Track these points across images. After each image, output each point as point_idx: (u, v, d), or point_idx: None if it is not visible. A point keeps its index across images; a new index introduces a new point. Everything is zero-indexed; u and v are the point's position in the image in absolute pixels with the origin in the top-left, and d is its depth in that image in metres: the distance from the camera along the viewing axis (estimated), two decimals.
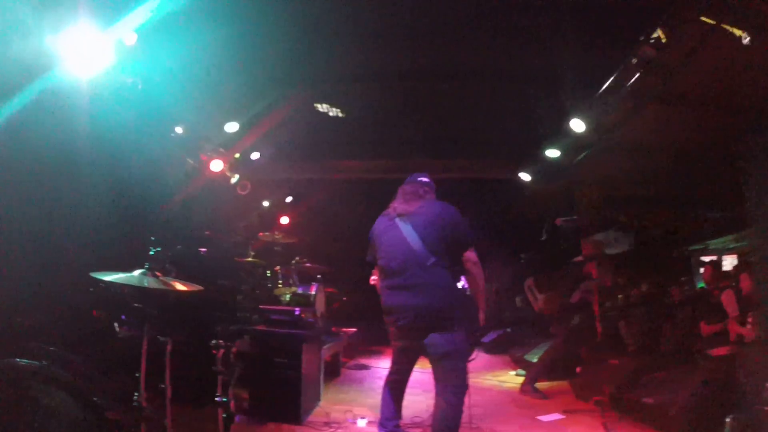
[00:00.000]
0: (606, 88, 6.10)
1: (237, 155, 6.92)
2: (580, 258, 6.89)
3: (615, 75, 5.82)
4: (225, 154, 6.57)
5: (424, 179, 4.01)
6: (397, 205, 3.82)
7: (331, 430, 4.50)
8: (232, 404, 3.44)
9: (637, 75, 5.72)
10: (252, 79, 5.73)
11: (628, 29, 5.24)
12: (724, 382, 4.71)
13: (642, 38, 5.14)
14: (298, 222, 9.31)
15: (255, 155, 7.28)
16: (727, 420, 4.29)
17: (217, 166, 6.43)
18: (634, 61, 5.36)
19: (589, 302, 8.16)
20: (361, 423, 4.64)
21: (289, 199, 9.29)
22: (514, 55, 6.02)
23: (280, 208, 9.14)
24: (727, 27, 5.06)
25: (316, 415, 4.88)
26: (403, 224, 3.65)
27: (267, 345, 4.75)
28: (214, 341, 3.47)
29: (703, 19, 4.88)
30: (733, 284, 6.36)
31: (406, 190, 3.91)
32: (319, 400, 5.35)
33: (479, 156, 8.90)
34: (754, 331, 5.03)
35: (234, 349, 3.61)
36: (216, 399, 3.40)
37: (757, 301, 4.75)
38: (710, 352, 5.45)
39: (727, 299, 6.02)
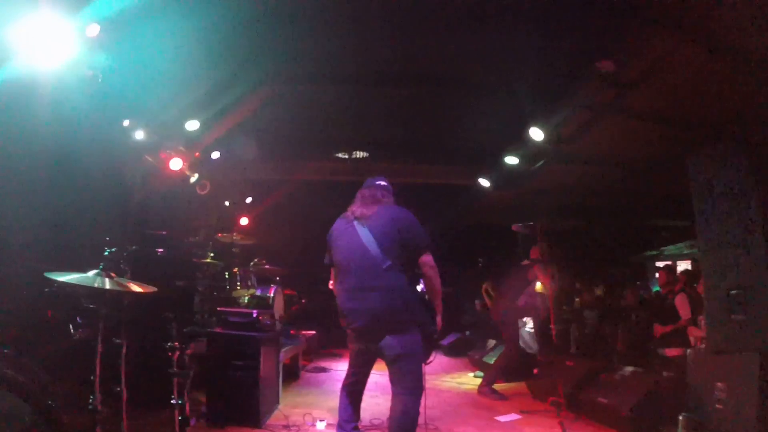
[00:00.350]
0: (565, 99, 6.25)
1: (197, 154, 6.81)
2: (526, 261, 6.98)
3: (574, 87, 5.98)
4: (185, 153, 6.46)
5: (383, 183, 4.02)
6: (355, 208, 3.82)
7: None
8: (187, 407, 3.37)
9: (596, 88, 5.89)
10: (214, 76, 5.65)
11: (589, 43, 5.37)
12: (677, 382, 4.88)
13: (602, 53, 5.31)
14: (258, 223, 9.18)
15: (215, 155, 7.18)
16: (680, 418, 4.44)
17: (176, 164, 6.32)
18: (593, 74, 5.52)
19: (537, 306, 8.35)
20: (320, 426, 4.61)
21: (249, 199, 9.16)
22: (477, 63, 6.08)
23: (239, 209, 9.00)
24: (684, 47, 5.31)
25: (275, 418, 4.82)
26: (361, 227, 3.66)
27: (224, 347, 4.66)
28: (169, 343, 3.40)
29: (662, 38, 5.08)
30: (686, 288, 6.61)
31: (364, 193, 3.91)
32: (278, 403, 5.28)
33: (440, 161, 8.99)
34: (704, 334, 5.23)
35: (189, 351, 3.55)
36: (172, 402, 3.33)
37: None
38: (665, 351, 5.62)
39: (681, 302, 6.26)
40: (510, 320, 6.90)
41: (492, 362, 7.37)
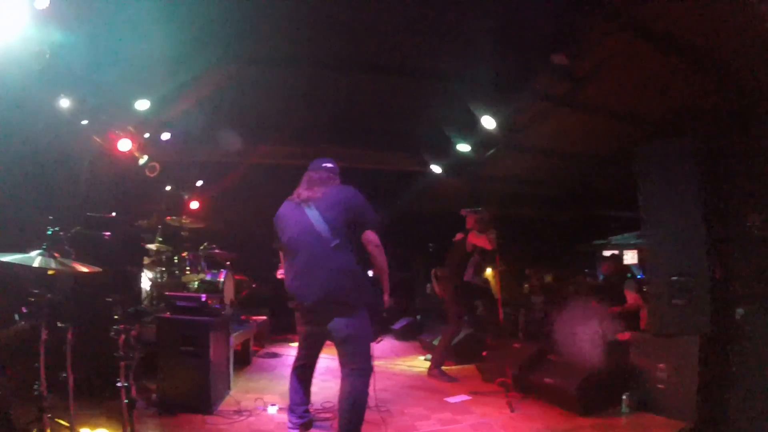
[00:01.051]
0: (518, 89, 6.35)
1: (147, 135, 6.63)
2: (460, 235, 6.92)
3: (528, 77, 6.08)
4: (134, 134, 6.26)
5: (329, 165, 4.03)
6: (302, 190, 3.83)
7: (242, 418, 4.41)
8: (134, 389, 3.31)
9: (549, 80, 6.01)
10: (167, 55, 5.49)
11: (545, 36, 5.46)
12: (620, 364, 5.08)
13: (557, 46, 5.41)
14: (209, 207, 8.99)
15: (165, 136, 6.99)
16: (624, 397, 4.65)
17: (125, 145, 6.11)
18: (548, 67, 5.62)
19: (487, 288, 8.49)
20: (272, 410, 4.61)
21: (199, 183, 8.96)
22: (432, 50, 6.10)
23: (190, 192, 8.80)
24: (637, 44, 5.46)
25: (227, 404, 4.78)
26: (309, 209, 3.67)
27: (173, 333, 4.56)
28: (115, 326, 3.34)
29: (614, 35, 5.21)
30: (629, 275, 6.90)
31: (311, 176, 3.92)
32: (229, 389, 5.23)
33: (393, 148, 9.00)
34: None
35: (134, 332, 3.48)
36: (117, 385, 3.28)
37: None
38: (617, 336, 5.83)
39: (627, 289, 6.53)
40: (459, 297, 6.82)
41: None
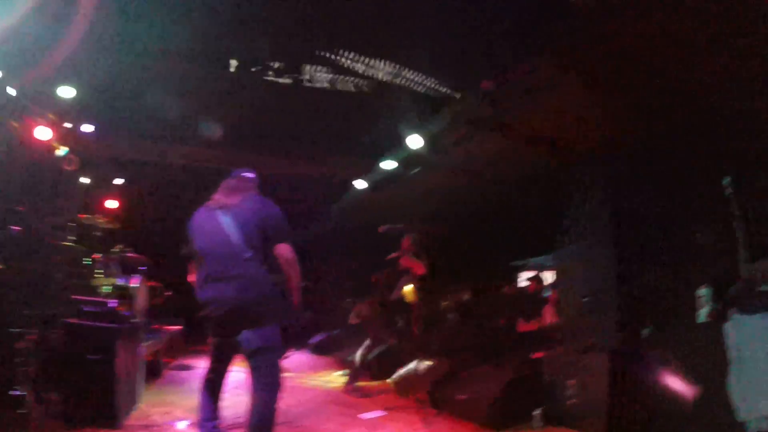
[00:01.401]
0: (446, 110, 6.52)
1: (68, 125, 6.28)
2: (394, 254, 6.99)
3: (456, 100, 6.25)
4: (54, 123, 5.88)
5: (249, 175, 3.96)
6: (219, 197, 3.73)
7: None
8: (33, 395, 3.09)
9: (475, 105, 6.20)
10: (95, 41, 5.24)
11: (475, 60, 5.65)
12: (531, 379, 5.23)
13: (485, 72, 5.61)
14: (126, 207, 8.62)
15: (88, 128, 6.67)
16: (535, 413, 4.77)
17: (43, 134, 5.74)
18: (475, 91, 5.81)
19: (406, 304, 8.56)
20: (181, 425, 4.43)
21: (119, 181, 8.56)
22: (364, 66, 6.17)
23: (107, 190, 8.39)
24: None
25: (135, 417, 4.56)
26: (223, 216, 3.58)
27: (79, 340, 4.27)
28: (14, 330, 3.12)
29: (542, 65, 5.46)
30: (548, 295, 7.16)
31: (229, 183, 3.83)
32: (138, 401, 4.99)
33: (319, 159, 8.98)
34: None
35: (32, 337, 3.25)
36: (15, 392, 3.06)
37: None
38: (532, 355, 6.00)
39: (546, 309, 6.74)
40: (384, 315, 6.97)
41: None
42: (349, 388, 6.38)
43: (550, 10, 4.84)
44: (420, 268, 6.61)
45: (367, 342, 6.78)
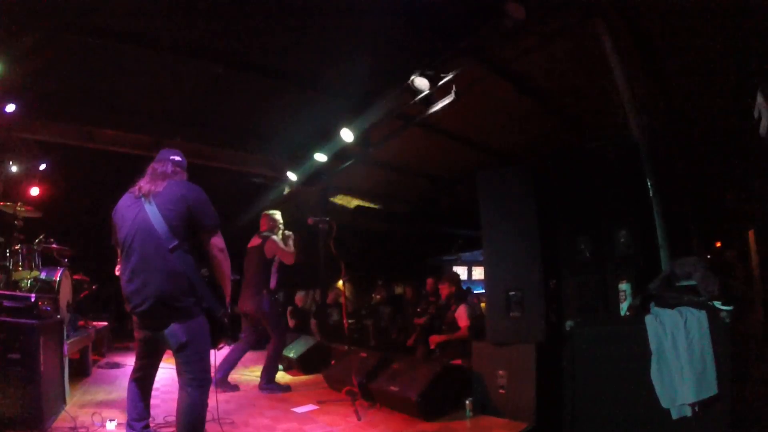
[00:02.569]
0: (378, 105, 6.54)
1: None
2: (257, 240, 6.42)
3: (388, 95, 6.28)
4: None
5: (176, 158, 3.80)
6: (143, 183, 3.56)
7: None
8: None
9: (407, 101, 6.25)
10: (16, 11, 4.93)
11: (408, 58, 5.69)
12: (462, 370, 5.38)
13: (418, 69, 5.66)
14: (49, 195, 8.18)
15: (10, 107, 6.28)
16: (467, 402, 4.91)
17: None
18: (407, 87, 5.85)
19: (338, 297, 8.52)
20: (110, 426, 4.25)
21: (42, 166, 8.09)
22: (298, 56, 6.11)
23: (30, 176, 7.87)
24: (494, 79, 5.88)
25: (62, 420, 4.34)
26: (148, 204, 3.43)
27: None
28: None
29: (473, 67, 5.57)
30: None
31: (155, 167, 3.67)
32: (64, 403, 4.77)
33: (252, 149, 8.85)
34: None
35: None
36: None
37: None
38: (452, 362, 6.14)
39: (461, 313, 6.82)
40: (273, 307, 6.41)
41: (291, 355, 7.45)
42: (267, 387, 6.21)
43: (485, 13, 4.94)
44: (288, 257, 6.20)
45: (272, 339, 6.38)
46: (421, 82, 5.87)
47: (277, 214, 6.51)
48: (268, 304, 6.25)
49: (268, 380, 6.24)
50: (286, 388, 6.22)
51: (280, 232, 6.44)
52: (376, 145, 7.79)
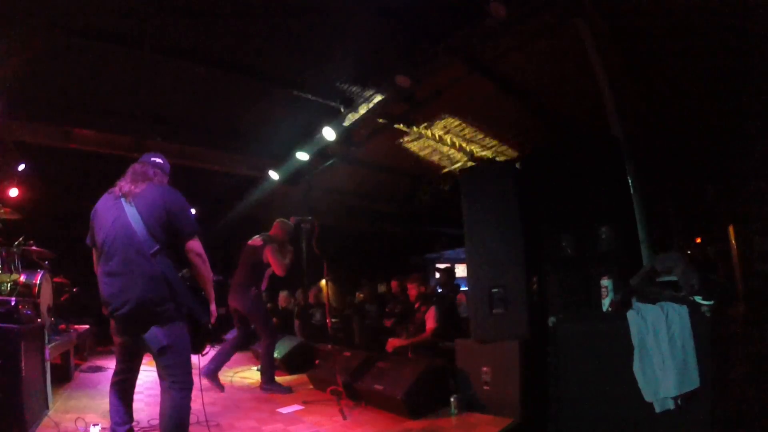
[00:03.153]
0: (360, 104, 6.54)
1: None
2: (257, 240, 6.45)
3: (371, 93, 6.28)
4: None
5: (158, 160, 3.79)
6: (123, 184, 3.53)
7: None
8: None
9: (390, 100, 6.26)
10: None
11: (391, 56, 5.69)
12: (446, 368, 5.39)
13: (401, 68, 5.67)
14: (28, 196, 8.06)
15: None
16: (452, 399, 4.93)
17: None
18: (390, 86, 5.86)
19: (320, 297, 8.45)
20: (94, 431, 4.14)
21: (21, 166, 7.96)
22: (280, 55, 6.09)
23: (8, 177, 7.74)
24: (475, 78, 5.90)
25: (45, 426, 4.28)
26: (128, 206, 3.39)
27: None
28: None
29: (456, 67, 5.59)
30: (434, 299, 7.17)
31: (135, 169, 3.65)
32: (47, 408, 4.70)
33: (233, 149, 8.80)
34: None
35: None
36: None
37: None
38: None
39: (430, 315, 6.74)
40: (261, 305, 6.47)
41: (276, 355, 7.39)
42: (267, 387, 6.22)
43: (468, 14, 4.96)
44: (280, 269, 6.16)
45: (263, 339, 6.40)
46: (403, 81, 5.87)
47: (289, 225, 6.50)
48: (255, 303, 6.26)
49: (267, 380, 6.24)
50: (287, 389, 6.17)
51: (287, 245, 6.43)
52: (359, 144, 7.79)
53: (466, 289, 7.87)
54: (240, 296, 6.27)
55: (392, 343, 6.92)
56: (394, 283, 8.55)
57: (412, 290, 7.24)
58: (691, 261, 3.94)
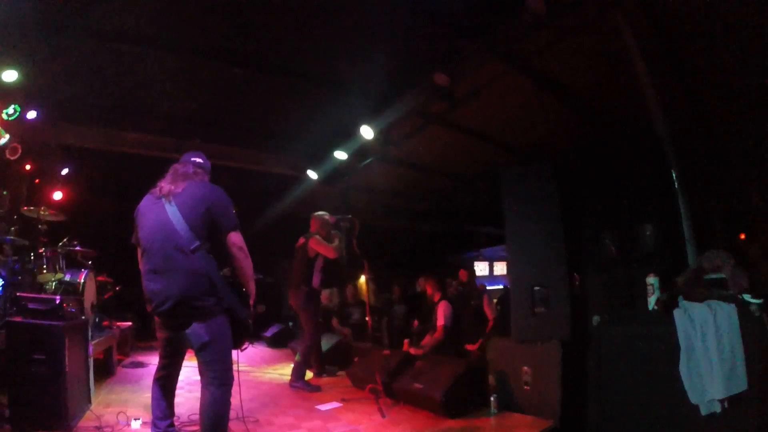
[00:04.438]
0: (398, 102, 6.52)
1: (11, 111, 5.99)
2: (302, 240, 6.63)
3: (409, 93, 6.26)
4: None
5: (198, 159, 3.84)
6: (164, 184, 3.59)
7: None
8: None
9: (429, 98, 6.23)
10: (39, 20, 4.97)
11: (428, 55, 5.67)
12: (484, 369, 5.34)
13: (439, 66, 5.63)
14: (72, 198, 8.27)
15: (32, 114, 6.35)
16: (492, 399, 4.89)
17: None
18: (429, 85, 5.83)
19: (360, 296, 8.43)
20: (135, 425, 4.27)
21: (65, 170, 8.15)
22: (318, 55, 6.11)
23: (53, 180, 7.97)
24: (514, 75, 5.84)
25: (87, 419, 4.36)
26: (168, 205, 3.45)
27: (23, 339, 4.04)
28: None
29: (493, 64, 5.54)
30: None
31: (177, 169, 3.71)
32: (89, 402, 4.78)
33: (270, 149, 8.87)
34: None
35: None
36: None
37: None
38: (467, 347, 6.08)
39: (438, 312, 6.70)
40: (309, 304, 6.51)
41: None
42: (297, 384, 6.21)
43: (505, 10, 4.91)
44: (329, 252, 6.32)
45: (305, 336, 6.53)
46: (442, 79, 5.84)
47: (326, 215, 6.60)
48: (304, 300, 6.41)
49: (297, 377, 6.26)
50: (315, 388, 6.17)
51: (332, 232, 6.56)
52: (396, 143, 7.77)
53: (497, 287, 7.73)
54: (294, 295, 6.49)
55: (410, 351, 6.74)
56: (420, 282, 8.46)
57: (428, 289, 7.14)
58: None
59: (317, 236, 6.41)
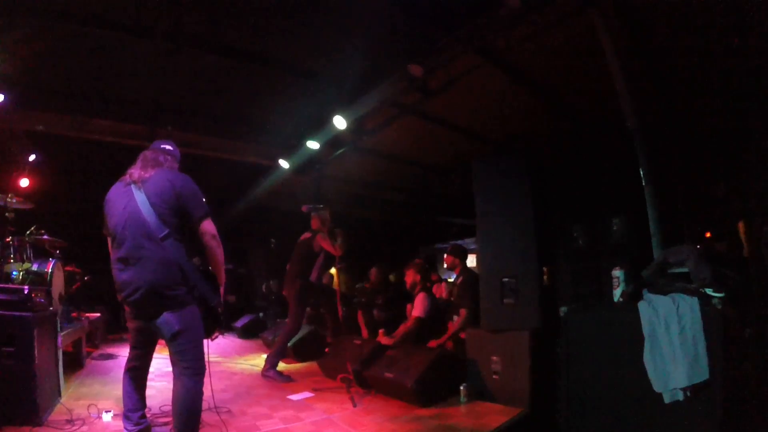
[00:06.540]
0: (372, 92, 6.52)
1: None
2: (307, 234, 6.84)
3: (382, 83, 6.26)
4: None
5: (168, 147, 3.81)
6: (134, 170, 3.55)
7: (75, 428, 4.00)
8: None
9: (402, 89, 6.25)
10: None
11: (404, 46, 5.66)
12: (455, 357, 5.42)
13: (413, 57, 5.64)
14: (40, 186, 8.08)
15: None
16: (462, 387, 4.96)
17: None
18: (402, 75, 5.84)
19: (330, 285, 8.49)
20: (107, 417, 4.24)
21: (32, 157, 8.00)
22: (290, 43, 6.06)
23: (19, 167, 7.79)
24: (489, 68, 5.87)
25: (58, 413, 4.31)
26: (137, 192, 3.42)
27: None
28: None
29: (469, 57, 5.57)
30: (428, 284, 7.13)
31: (146, 155, 3.67)
32: (60, 395, 4.73)
33: (242, 138, 8.78)
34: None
35: None
36: None
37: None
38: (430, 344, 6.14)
39: (416, 302, 6.73)
40: (303, 298, 6.67)
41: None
42: (270, 373, 6.26)
43: (483, 3, 4.94)
44: (335, 250, 6.53)
45: (286, 326, 6.67)
46: (416, 70, 5.85)
47: (326, 213, 6.75)
48: (298, 292, 6.60)
49: (270, 366, 6.33)
50: (287, 378, 6.21)
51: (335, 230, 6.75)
52: (370, 133, 7.78)
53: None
54: (289, 286, 6.67)
55: (381, 340, 6.73)
56: (372, 271, 8.51)
57: (409, 277, 7.15)
58: (703, 254, 3.90)
59: (323, 233, 6.59)
